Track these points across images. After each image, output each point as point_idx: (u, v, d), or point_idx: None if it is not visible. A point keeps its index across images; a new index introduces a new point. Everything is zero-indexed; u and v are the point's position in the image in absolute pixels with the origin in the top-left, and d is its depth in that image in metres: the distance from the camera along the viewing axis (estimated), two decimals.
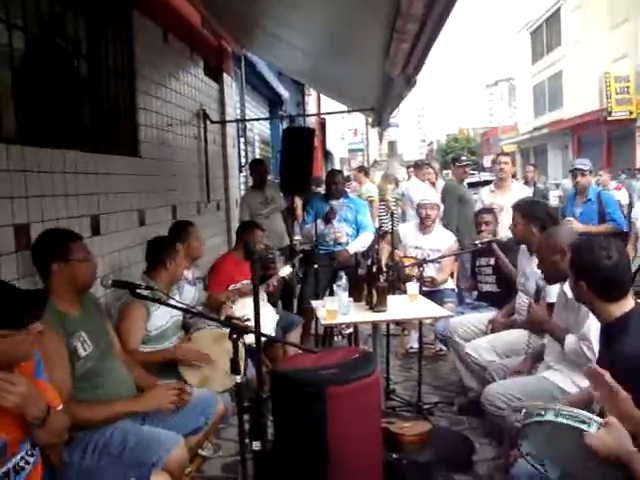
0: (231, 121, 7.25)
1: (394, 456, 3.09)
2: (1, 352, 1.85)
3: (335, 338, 5.80)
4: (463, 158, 7.36)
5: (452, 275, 5.84)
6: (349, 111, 9.29)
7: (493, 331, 4.14)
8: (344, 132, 29.49)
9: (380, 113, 6.44)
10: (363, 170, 11.27)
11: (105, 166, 3.71)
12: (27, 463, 1.98)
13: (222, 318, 3.67)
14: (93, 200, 3.53)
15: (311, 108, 16.36)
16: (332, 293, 4.87)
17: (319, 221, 5.57)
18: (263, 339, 2.65)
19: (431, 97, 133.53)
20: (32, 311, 1.95)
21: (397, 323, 5.40)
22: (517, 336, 3.77)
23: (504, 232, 4.86)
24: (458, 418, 4.17)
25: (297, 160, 5.76)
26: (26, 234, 2.77)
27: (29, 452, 2.00)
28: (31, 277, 2.77)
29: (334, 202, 5.76)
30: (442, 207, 6.08)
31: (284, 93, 11.73)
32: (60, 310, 2.53)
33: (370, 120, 8.88)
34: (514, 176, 7.31)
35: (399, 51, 3.27)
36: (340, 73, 6.09)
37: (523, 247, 4.13)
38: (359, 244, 5.75)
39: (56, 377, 2.31)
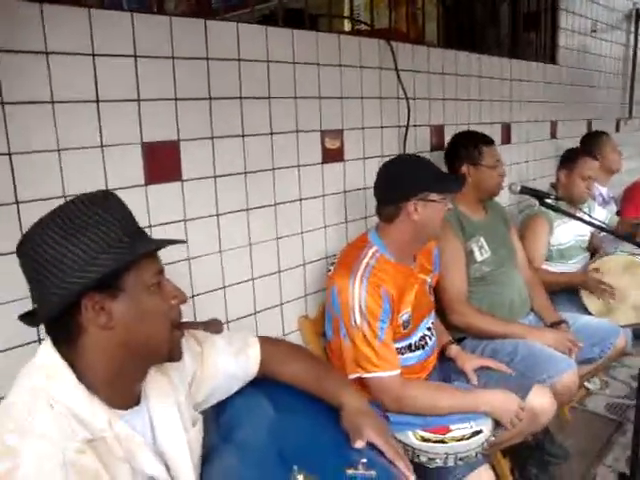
0: None
1: None
2: (425, 218, 1.93)
3: None
4: None
5: None
6: None
7: None
8: None
9: None
10: None
11: (520, 72, 3.55)
12: (426, 344, 2.10)
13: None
14: (505, 107, 3.42)
15: None
16: None
17: None
18: None
19: None
20: (454, 182, 2.09)
21: None
22: None
23: None
24: None
25: None
26: (440, 135, 2.83)
27: (430, 333, 2.11)
28: None
29: None
30: None
31: None
32: (462, 212, 2.52)
33: None
34: None
35: None
36: None
37: None
38: None
39: (450, 276, 2.35)
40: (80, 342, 1.04)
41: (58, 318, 1.02)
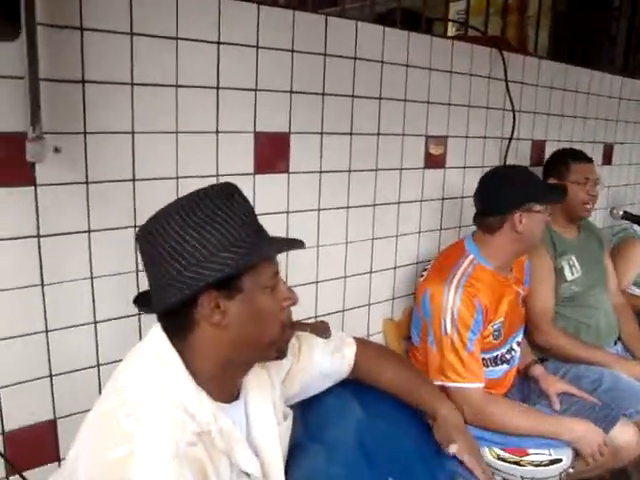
0: None
1: None
2: (528, 230, 1.91)
3: None
4: None
5: None
6: None
7: None
8: None
9: None
10: None
11: (631, 91, 3.40)
12: (512, 358, 2.06)
13: None
14: (610, 126, 3.30)
15: None
16: None
17: None
18: None
19: None
20: (557, 193, 2.06)
21: None
22: None
23: None
24: None
25: None
26: (541, 151, 2.77)
27: (517, 347, 2.08)
28: None
29: None
30: None
31: None
32: (553, 228, 2.45)
33: None
34: None
35: None
36: None
37: None
38: None
39: (539, 293, 2.29)
40: (191, 336, 1.04)
41: (173, 310, 1.03)
